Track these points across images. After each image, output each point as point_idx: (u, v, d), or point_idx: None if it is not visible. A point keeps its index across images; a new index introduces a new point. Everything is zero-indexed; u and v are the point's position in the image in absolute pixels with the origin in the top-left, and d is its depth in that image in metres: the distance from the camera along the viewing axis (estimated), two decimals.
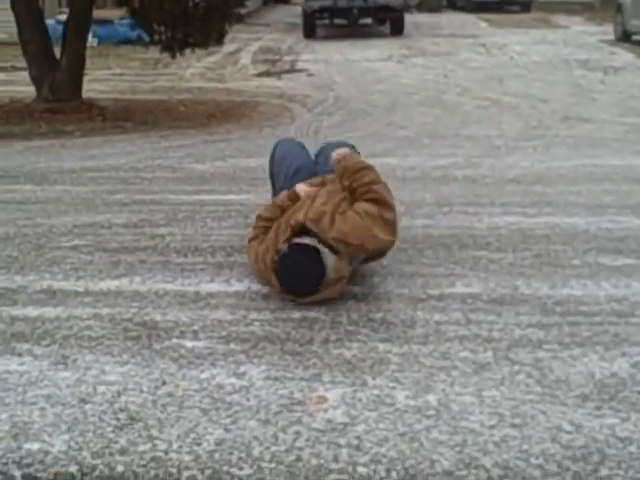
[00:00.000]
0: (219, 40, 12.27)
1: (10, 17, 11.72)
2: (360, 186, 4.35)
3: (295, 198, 4.51)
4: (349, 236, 4.09)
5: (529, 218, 5.80)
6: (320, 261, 4.02)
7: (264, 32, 23.90)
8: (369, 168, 4.50)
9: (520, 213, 5.95)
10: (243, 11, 13.28)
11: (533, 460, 2.79)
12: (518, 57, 17.86)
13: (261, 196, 5.95)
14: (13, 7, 11.36)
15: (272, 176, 5.17)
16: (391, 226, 4.30)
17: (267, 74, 16.59)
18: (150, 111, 12.01)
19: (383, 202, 4.31)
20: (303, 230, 4.14)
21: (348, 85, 14.76)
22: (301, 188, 4.57)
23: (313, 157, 5.17)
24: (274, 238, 4.29)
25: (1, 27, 19.18)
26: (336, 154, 4.66)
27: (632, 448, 2.85)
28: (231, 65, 18.01)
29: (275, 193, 4.98)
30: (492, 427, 3.00)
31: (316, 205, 4.23)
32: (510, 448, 2.86)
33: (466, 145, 9.13)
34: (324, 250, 4.04)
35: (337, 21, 23.74)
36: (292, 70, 17.03)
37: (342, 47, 20.24)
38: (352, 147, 5.14)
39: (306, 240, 4.09)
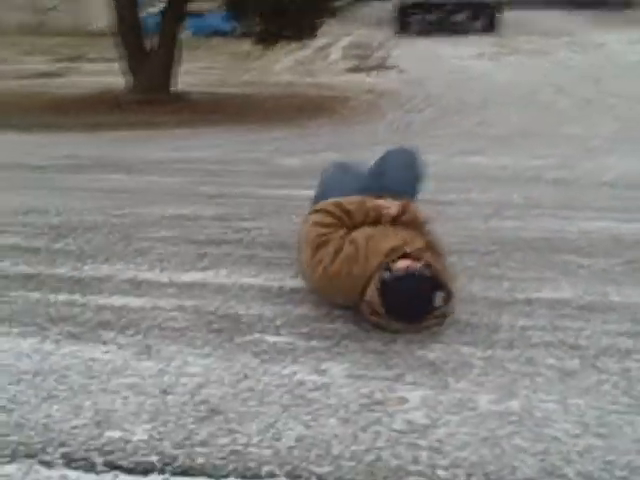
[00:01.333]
0: (312, 33, 12.35)
1: (105, 8, 11.94)
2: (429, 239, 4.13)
3: (376, 215, 4.14)
4: (447, 276, 3.90)
5: (622, 223, 5.71)
6: (434, 292, 3.74)
7: (355, 27, 23.90)
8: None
9: (613, 218, 5.87)
10: (337, 5, 13.33)
11: (617, 472, 2.76)
12: (615, 57, 17.54)
13: None
14: None
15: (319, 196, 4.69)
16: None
17: (357, 69, 16.60)
18: (239, 105, 12.13)
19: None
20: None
21: (439, 82, 14.70)
22: (387, 206, 4.18)
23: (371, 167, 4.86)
24: (370, 245, 3.88)
25: (95, 18, 19.51)
26: (398, 206, 4.19)
27: None
28: (321, 60, 18.06)
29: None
30: (576, 436, 2.98)
31: (407, 237, 4.00)
32: (594, 459, 2.84)
33: (560, 146, 9.03)
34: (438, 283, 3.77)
35: (429, 17, 23.62)
36: (383, 66, 17.01)
37: (433, 44, 20.13)
38: (415, 155, 4.86)
39: (423, 269, 3.75)
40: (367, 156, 7.75)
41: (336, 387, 3.35)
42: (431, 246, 4.06)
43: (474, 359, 3.62)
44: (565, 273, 4.73)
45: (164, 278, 4.65)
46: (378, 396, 3.28)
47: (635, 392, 3.30)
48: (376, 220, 4.11)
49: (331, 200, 4.24)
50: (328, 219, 4.10)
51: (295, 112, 11.72)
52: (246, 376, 3.47)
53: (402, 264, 3.75)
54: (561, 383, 3.39)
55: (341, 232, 4.03)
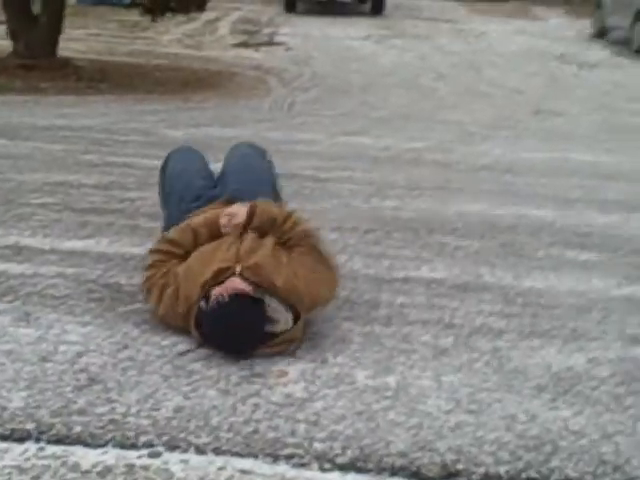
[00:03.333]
0: (200, 7, 12.21)
1: None
2: (294, 236, 3.63)
3: (214, 228, 3.66)
4: (301, 291, 3.43)
5: (497, 207, 5.82)
6: (265, 316, 3.33)
7: (244, 2, 23.74)
8: (293, 216, 3.71)
9: (488, 202, 5.98)
10: None
11: (487, 447, 2.81)
12: (496, 46, 17.87)
13: None
14: None
15: (163, 191, 4.30)
16: (334, 283, 3.67)
17: (245, 45, 16.49)
18: (126, 74, 11.91)
19: (324, 255, 3.67)
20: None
21: (325, 62, 14.72)
22: (226, 221, 3.66)
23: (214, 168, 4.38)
24: (188, 277, 3.47)
25: None
26: (246, 210, 3.66)
27: (583, 441, 2.88)
28: (209, 34, 17.87)
29: (169, 213, 4.12)
30: (448, 412, 3.02)
31: (246, 248, 3.51)
32: (465, 434, 2.88)
33: (439, 130, 9.16)
34: (274, 303, 3.36)
35: None
36: (270, 43, 16.94)
37: (322, 24, 20.15)
38: (263, 152, 4.42)
39: (246, 288, 3.31)
40: (250, 133, 7.76)
41: (217, 358, 3.32)
42: (294, 244, 3.59)
43: (353, 335, 3.64)
44: (441, 254, 4.80)
45: (45, 245, 4.54)
46: (258, 369, 3.27)
47: (505, 371, 3.37)
48: (218, 234, 3.64)
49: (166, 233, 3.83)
50: (154, 257, 3.65)
51: (181, 85, 11.57)
52: (126, 346, 3.41)
53: (219, 290, 3.30)
54: (435, 360, 3.44)
55: (167, 267, 3.58)
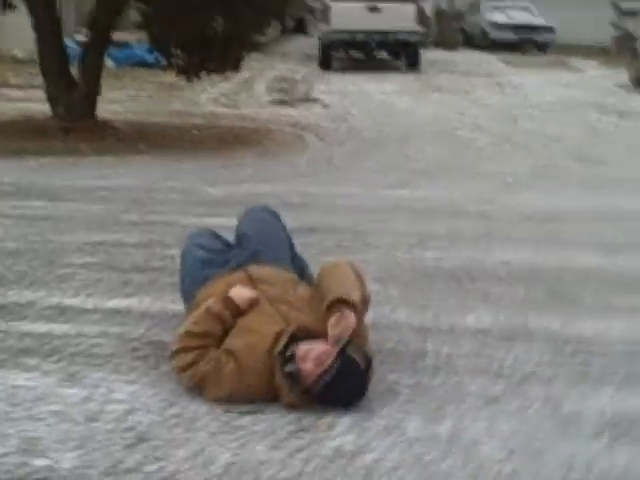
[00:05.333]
0: (236, 67, 12.31)
1: (28, 35, 11.79)
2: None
3: (233, 307, 3.66)
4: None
5: (542, 255, 5.79)
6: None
7: (280, 61, 24.01)
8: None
9: (532, 249, 5.95)
10: (261, 39, 13.34)
11: None
12: (533, 97, 17.88)
13: None
14: (35, 26, 11.43)
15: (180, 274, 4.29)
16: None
17: (281, 102, 16.63)
18: (163, 134, 12.04)
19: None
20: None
21: (362, 116, 14.79)
22: (239, 295, 3.69)
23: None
24: (248, 349, 3.49)
25: (19, 44, 19.28)
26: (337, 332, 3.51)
27: None
28: (245, 92, 18.06)
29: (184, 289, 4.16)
30: (503, 460, 2.99)
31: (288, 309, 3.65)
32: None
33: (479, 180, 9.13)
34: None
35: (353, 53, 23.84)
36: (306, 100, 17.07)
37: (357, 80, 20.29)
38: (277, 215, 4.30)
39: (330, 348, 3.41)
40: (288, 188, 7.80)
41: (264, 413, 3.32)
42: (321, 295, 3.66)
43: (400, 386, 3.63)
44: (486, 302, 4.78)
45: (88, 304, 4.57)
46: (305, 422, 3.26)
47: (559, 417, 3.33)
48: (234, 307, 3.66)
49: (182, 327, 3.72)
50: (188, 357, 3.56)
51: (219, 143, 11.67)
52: (173, 404, 3.42)
53: (303, 351, 3.40)
54: (487, 408, 3.41)
55: (208, 356, 3.55)
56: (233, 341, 3.55)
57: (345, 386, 3.37)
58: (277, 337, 3.49)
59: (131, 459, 2.95)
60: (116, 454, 2.99)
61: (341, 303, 3.51)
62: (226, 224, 5.57)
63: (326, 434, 3.17)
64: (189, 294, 3.99)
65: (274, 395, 3.43)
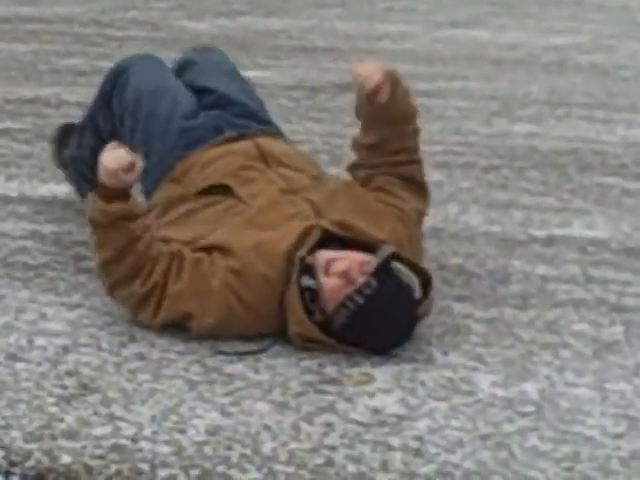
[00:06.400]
0: None
1: None
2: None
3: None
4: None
5: None
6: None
7: None
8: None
9: None
10: None
11: None
12: None
13: (286, 73, 5.93)
14: None
15: (132, 116, 4.08)
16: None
17: None
18: None
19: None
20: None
21: None
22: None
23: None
24: (257, 251, 3.47)
25: None
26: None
27: None
28: None
29: (153, 145, 3.96)
30: (619, 436, 3.00)
31: (321, 197, 3.69)
32: None
33: (595, 18, 9.04)
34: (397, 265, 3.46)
35: None
36: None
37: None
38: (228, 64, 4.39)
39: (367, 258, 3.42)
40: (308, 24, 7.73)
41: (268, 356, 3.35)
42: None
43: (471, 322, 3.63)
44: (603, 202, 4.76)
45: (11, 191, 4.59)
46: (330, 371, 3.27)
47: None
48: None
49: None
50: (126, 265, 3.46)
51: None
52: (134, 338, 3.43)
53: (327, 259, 3.38)
54: (598, 360, 3.42)
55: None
56: (231, 237, 3.51)
57: (383, 320, 3.34)
58: (303, 235, 3.48)
59: (71, 417, 2.97)
60: (49, 409, 3.01)
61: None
62: None
63: (360, 390, 3.18)
64: (160, 171, 3.90)
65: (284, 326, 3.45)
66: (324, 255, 3.39)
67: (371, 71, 3.53)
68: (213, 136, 3.91)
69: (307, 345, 3.39)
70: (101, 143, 3.68)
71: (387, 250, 3.40)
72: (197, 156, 3.83)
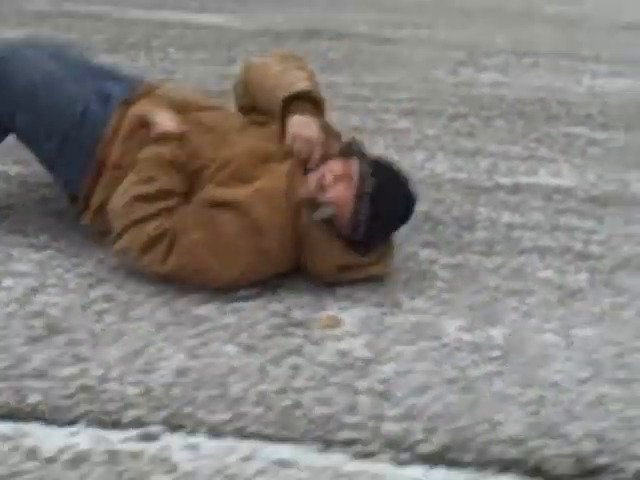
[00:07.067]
0: None
1: None
2: None
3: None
4: None
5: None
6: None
7: None
8: None
9: (637, 75, 5.91)
10: None
11: None
12: None
13: (252, 20, 5.91)
14: None
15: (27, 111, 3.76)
16: None
17: None
18: None
19: None
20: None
21: None
22: (169, 124, 3.65)
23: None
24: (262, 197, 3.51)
25: None
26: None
27: None
28: None
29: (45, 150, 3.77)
30: (583, 381, 3.02)
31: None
32: (609, 413, 2.88)
33: None
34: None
35: None
36: None
37: None
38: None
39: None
40: None
41: (234, 300, 3.37)
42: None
43: (438, 267, 3.65)
44: (568, 151, 4.77)
45: None
46: (297, 315, 3.29)
47: None
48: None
49: None
50: (150, 228, 3.44)
51: None
52: (102, 279, 3.44)
53: (315, 180, 3.52)
54: (563, 306, 3.45)
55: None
56: (226, 191, 3.52)
57: (394, 195, 3.49)
58: (290, 176, 3.54)
59: (39, 357, 2.97)
60: (17, 350, 3.01)
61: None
62: (184, 20, 5.53)
63: (328, 333, 3.19)
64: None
65: (296, 265, 3.53)
66: (310, 179, 3.50)
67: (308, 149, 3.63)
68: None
69: (341, 276, 3.49)
70: None
71: (353, 142, 3.59)
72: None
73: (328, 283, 3.50)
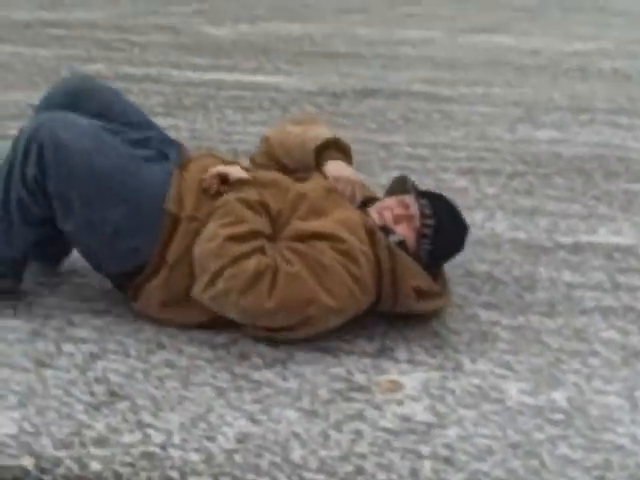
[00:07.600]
0: None
1: None
2: None
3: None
4: None
5: None
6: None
7: None
8: None
9: None
10: None
11: None
12: None
13: (308, 79, 5.93)
14: None
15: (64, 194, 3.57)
16: None
17: None
18: None
19: None
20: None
21: None
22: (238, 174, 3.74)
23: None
24: (344, 227, 3.61)
25: None
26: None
27: None
28: None
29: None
30: None
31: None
32: None
33: (618, 24, 9.03)
34: None
35: None
36: None
37: None
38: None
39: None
40: (329, 29, 7.71)
41: (295, 364, 3.36)
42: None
43: (499, 329, 3.63)
44: (629, 209, 4.75)
45: None
46: (359, 379, 3.28)
47: None
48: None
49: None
50: (250, 266, 3.43)
51: None
52: (162, 345, 3.44)
53: (379, 210, 3.79)
54: (627, 367, 3.42)
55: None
56: (311, 224, 3.62)
57: (450, 223, 3.77)
58: (362, 207, 3.81)
59: (100, 424, 2.98)
60: (78, 416, 3.02)
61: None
62: (240, 81, 5.57)
63: (389, 397, 3.18)
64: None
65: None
66: (385, 214, 3.73)
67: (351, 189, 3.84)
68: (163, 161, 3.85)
69: (415, 306, 3.61)
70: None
71: (408, 180, 3.87)
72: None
73: (398, 315, 3.63)
